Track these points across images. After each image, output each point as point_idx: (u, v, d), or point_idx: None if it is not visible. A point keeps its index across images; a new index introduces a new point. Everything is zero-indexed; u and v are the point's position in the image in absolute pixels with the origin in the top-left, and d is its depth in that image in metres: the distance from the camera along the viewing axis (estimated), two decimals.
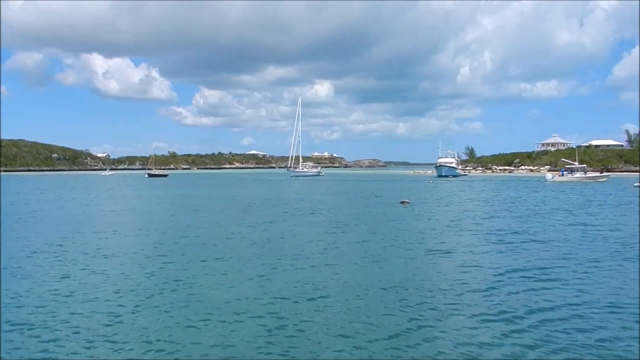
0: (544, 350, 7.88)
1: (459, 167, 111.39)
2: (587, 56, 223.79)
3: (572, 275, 13.01)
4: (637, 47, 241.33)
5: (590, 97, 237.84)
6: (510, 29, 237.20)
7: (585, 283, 12.14)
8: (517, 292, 11.28)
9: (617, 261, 14.80)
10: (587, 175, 74.38)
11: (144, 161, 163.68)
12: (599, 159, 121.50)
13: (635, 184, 56.47)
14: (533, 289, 11.56)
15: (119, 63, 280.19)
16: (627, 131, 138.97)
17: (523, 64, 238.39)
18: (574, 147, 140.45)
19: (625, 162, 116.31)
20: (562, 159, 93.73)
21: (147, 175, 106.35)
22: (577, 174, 73.64)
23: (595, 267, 14.03)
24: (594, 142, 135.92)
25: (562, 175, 74.86)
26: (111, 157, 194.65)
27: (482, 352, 7.80)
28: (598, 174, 78.93)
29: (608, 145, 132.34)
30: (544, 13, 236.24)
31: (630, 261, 14.79)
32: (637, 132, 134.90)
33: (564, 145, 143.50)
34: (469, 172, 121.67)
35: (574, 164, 78.73)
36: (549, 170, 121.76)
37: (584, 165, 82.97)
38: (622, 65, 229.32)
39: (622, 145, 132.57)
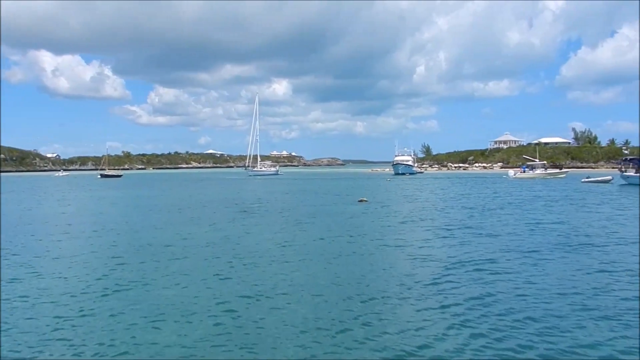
0: (490, 339, 8.23)
1: (416, 164, 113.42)
2: (536, 56, 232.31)
3: (517, 266, 13.61)
4: (583, 47, 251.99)
5: (539, 96, 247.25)
6: (464, 28, 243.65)
7: (531, 273, 12.71)
8: (465, 284, 11.72)
9: (560, 253, 15.54)
10: (547, 171, 77.12)
11: (97, 161, 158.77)
12: (547, 155, 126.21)
13: (583, 180, 59.23)
14: (480, 280, 12.03)
15: (69, 60, 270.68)
16: (573, 129, 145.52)
17: (476, 63, 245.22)
18: (525, 144, 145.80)
19: (572, 158, 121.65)
20: (524, 156, 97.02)
21: (99, 176, 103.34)
22: (538, 171, 76.24)
23: (540, 257, 14.71)
24: (543, 140, 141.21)
25: (524, 171, 77.24)
26: (61, 158, 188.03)
27: (431, 343, 8.08)
28: (558, 170, 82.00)
29: (556, 143, 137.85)
30: (495, 13, 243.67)
31: (572, 252, 15.57)
32: (583, 129, 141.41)
33: (515, 143, 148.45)
34: (425, 170, 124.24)
35: (535, 161, 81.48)
36: (502, 167, 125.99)
37: (544, 162, 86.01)
38: (569, 66, 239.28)
39: (569, 143, 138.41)
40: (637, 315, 9.20)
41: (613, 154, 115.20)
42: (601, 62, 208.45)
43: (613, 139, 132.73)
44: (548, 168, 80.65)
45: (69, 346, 8.10)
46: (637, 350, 7.64)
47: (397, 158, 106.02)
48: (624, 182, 54.21)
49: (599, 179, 60.19)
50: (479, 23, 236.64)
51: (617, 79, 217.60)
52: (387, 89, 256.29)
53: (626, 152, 67.75)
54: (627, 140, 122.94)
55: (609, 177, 60.05)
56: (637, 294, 10.62)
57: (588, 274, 12.72)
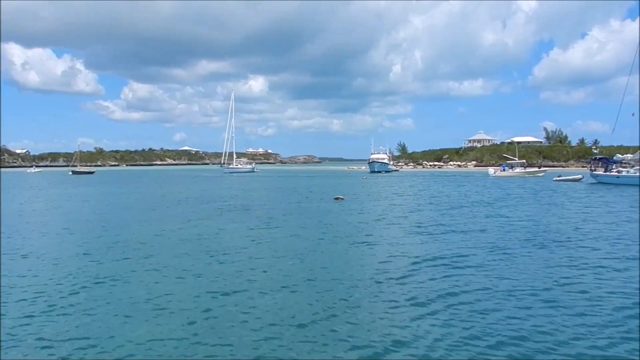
0: (460, 333, 8.41)
1: (391, 162, 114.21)
2: (510, 57, 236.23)
3: (486, 261, 13.91)
4: (555, 48, 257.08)
5: (512, 96, 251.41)
6: (439, 28, 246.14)
7: (499, 269, 13.01)
8: (435, 279, 11.97)
9: (527, 249, 15.91)
10: (527, 170, 78.50)
11: (68, 158, 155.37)
12: (520, 154, 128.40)
13: (555, 178, 60.53)
14: (450, 276, 12.28)
15: (40, 53, 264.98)
16: (545, 129, 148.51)
17: (451, 63, 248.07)
18: (498, 143, 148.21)
19: (544, 157, 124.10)
20: (504, 155, 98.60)
21: (70, 173, 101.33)
22: (518, 169, 77.54)
23: (507, 254, 15.06)
24: (516, 139, 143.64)
25: (504, 170, 78.44)
26: (31, 154, 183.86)
27: (400, 335, 8.22)
28: (537, 169, 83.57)
29: (528, 142, 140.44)
30: (470, 14, 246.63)
31: (539, 249, 15.99)
32: (554, 129, 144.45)
33: (489, 142, 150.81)
34: (401, 168, 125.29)
35: (514, 160, 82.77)
36: (476, 165, 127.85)
37: (524, 160, 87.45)
38: (541, 66, 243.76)
39: (541, 142, 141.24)
40: (597, 306, 9.56)
41: (583, 154, 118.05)
42: (572, 63, 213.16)
43: (583, 139, 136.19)
44: (527, 167, 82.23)
45: (41, 347, 7.98)
46: (598, 340, 7.93)
47: (372, 156, 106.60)
48: (593, 180, 55.59)
49: (570, 177, 61.64)
50: (454, 23, 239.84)
51: (587, 80, 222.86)
52: (363, 87, 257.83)
53: (596, 151, 69.41)
54: (596, 140, 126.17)
55: (579, 176, 61.51)
56: (597, 286, 11.05)
57: (551, 267, 13.15)
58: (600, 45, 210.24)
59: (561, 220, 23.23)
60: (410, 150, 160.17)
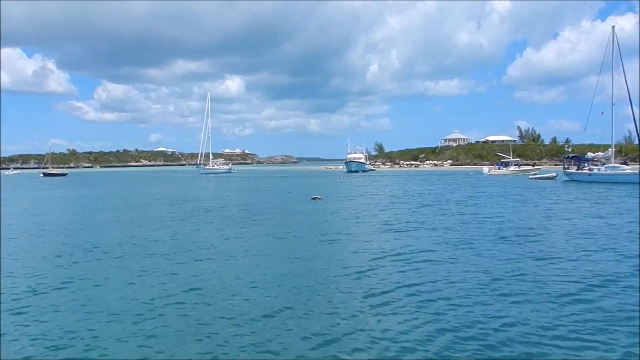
0: (421, 326, 8.39)
1: (368, 162, 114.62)
2: (485, 56, 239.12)
3: (448, 256, 14.10)
4: (528, 48, 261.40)
5: (487, 95, 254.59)
6: (416, 28, 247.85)
7: (460, 262, 13.23)
8: (393, 273, 12.41)
9: (492, 244, 16.21)
10: (521, 168, 79.35)
11: (40, 159, 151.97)
12: (495, 153, 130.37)
13: (530, 176, 61.32)
14: (408, 270, 12.66)
15: (9, 53, 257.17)
16: (518, 127, 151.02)
17: (427, 62, 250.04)
18: (473, 142, 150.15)
19: (518, 156, 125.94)
20: (498, 153, 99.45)
21: (42, 175, 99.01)
22: (512, 167, 78.28)
23: (472, 248, 15.57)
24: (490, 138, 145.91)
25: (499, 168, 79.04)
26: (1, 156, 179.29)
27: (359, 327, 8.14)
28: (530, 167, 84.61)
29: (502, 141, 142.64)
30: (445, 14, 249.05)
31: (504, 243, 16.35)
32: (528, 128, 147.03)
33: (464, 141, 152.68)
34: (378, 167, 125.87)
35: (509, 158, 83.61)
36: (451, 164, 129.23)
37: (518, 159, 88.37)
38: (515, 66, 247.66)
39: (514, 141, 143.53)
40: (558, 298, 9.82)
41: (555, 152, 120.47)
42: (545, 63, 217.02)
43: (555, 137, 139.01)
44: (522, 165, 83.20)
45: (13, 350, 7.69)
46: (559, 328, 8.02)
47: (349, 156, 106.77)
48: (567, 178, 56.57)
49: (545, 175, 62.71)
50: (430, 23, 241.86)
51: (560, 80, 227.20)
52: (341, 87, 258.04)
53: (568, 150, 70.50)
54: (567, 139, 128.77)
55: (554, 174, 62.58)
56: (560, 279, 11.40)
57: (519, 261, 13.55)
58: (572, 45, 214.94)
59: (525, 216, 23.76)
60: (387, 150, 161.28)
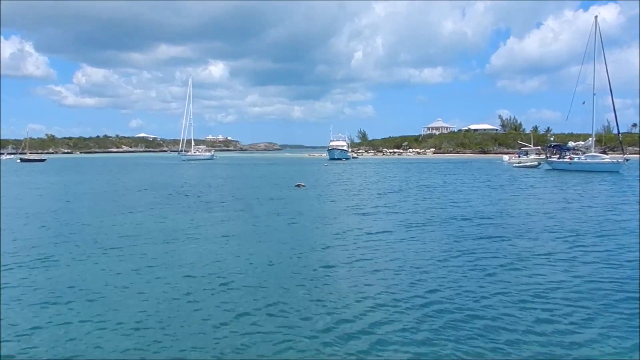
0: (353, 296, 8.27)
1: (350, 150, 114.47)
2: (469, 45, 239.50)
3: (404, 236, 14.36)
4: (512, 38, 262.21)
5: (470, 83, 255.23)
6: (401, 16, 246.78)
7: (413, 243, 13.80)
8: (363, 247, 13.23)
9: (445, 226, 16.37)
10: (541, 157, 78.39)
11: (17, 145, 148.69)
12: (477, 142, 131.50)
13: (514, 164, 61.85)
14: (372, 248, 12.99)
15: None
16: (500, 116, 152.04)
17: (412, 50, 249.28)
18: (456, 130, 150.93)
19: (499, 144, 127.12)
20: (519, 141, 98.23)
21: (19, 160, 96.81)
22: (532, 156, 77.01)
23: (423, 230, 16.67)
24: (473, 126, 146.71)
25: (519, 157, 77.27)
26: None
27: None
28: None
29: (485, 129, 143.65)
30: (430, 3, 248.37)
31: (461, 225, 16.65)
32: (509, 117, 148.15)
33: (447, 129, 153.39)
34: (361, 155, 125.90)
35: (529, 147, 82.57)
36: (434, 153, 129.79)
37: (539, 147, 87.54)
38: (498, 55, 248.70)
39: (496, 130, 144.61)
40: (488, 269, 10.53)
41: (536, 141, 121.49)
42: (527, 52, 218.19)
43: (536, 126, 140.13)
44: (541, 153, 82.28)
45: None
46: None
47: (332, 143, 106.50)
48: (549, 167, 57.14)
49: (528, 163, 63.28)
50: (415, 11, 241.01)
51: (542, 69, 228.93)
52: (325, 74, 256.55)
53: (551, 139, 71.22)
54: (548, 128, 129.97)
55: (536, 163, 63.12)
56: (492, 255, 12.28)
57: (464, 240, 14.90)
58: (555, 34, 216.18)
59: (491, 202, 24.77)
60: (370, 138, 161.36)
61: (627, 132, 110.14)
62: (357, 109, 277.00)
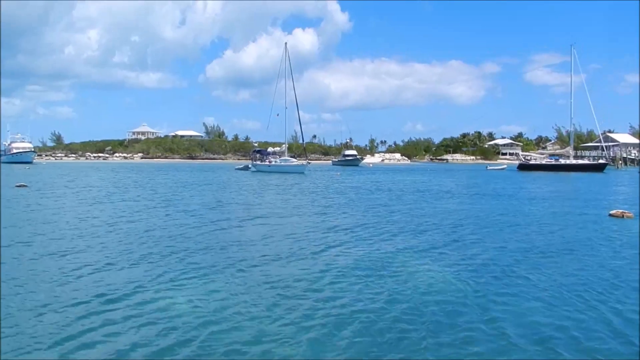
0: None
1: (36, 153, 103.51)
2: (188, 52, 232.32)
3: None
4: (229, 50, 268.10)
5: (186, 90, 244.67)
6: (119, 14, 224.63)
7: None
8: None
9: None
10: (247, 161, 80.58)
11: None
12: (185, 147, 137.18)
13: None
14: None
15: None
16: (204, 124, 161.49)
17: (128, 52, 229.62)
18: (162, 136, 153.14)
19: (206, 150, 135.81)
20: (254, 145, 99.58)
21: None
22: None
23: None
24: (180, 132, 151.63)
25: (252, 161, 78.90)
26: None
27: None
28: None
29: (191, 136, 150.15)
30: (153, 4, 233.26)
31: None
32: (213, 125, 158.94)
33: (153, 134, 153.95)
34: (62, 159, 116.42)
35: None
36: (142, 157, 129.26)
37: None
38: (213, 66, 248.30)
39: (202, 136, 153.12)
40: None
41: (239, 147, 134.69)
42: (240, 65, 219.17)
43: (237, 135, 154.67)
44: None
45: None
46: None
47: (14, 145, 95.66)
48: (254, 169, 65.99)
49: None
50: (137, 11, 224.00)
51: (252, 82, 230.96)
52: (21, 66, 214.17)
53: (255, 145, 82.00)
54: (247, 137, 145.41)
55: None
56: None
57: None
58: (266, 51, 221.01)
59: (213, 199, 28.97)
60: (67, 141, 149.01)
61: (310, 142, 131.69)
62: (53, 109, 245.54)
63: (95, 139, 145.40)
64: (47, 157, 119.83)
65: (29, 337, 6.52)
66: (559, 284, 9.20)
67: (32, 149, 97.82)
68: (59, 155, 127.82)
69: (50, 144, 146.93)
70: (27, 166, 75.50)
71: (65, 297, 8.15)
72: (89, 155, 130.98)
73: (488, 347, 6.32)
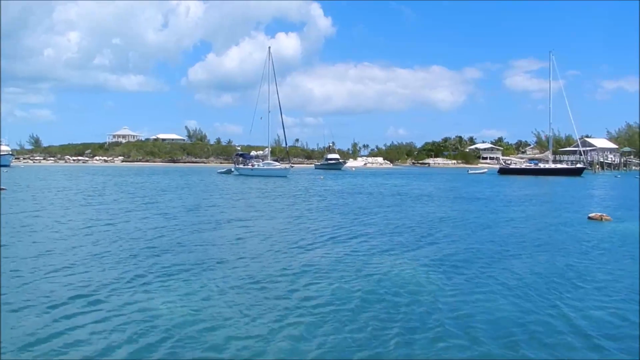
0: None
1: (13, 156, 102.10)
2: (170, 56, 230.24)
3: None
4: (211, 53, 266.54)
5: (167, 94, 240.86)
6: (100, 16, 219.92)
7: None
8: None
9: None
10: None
11: None
12: (166, 151, 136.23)
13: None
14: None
15: None
16: (187, 127, 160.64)
17: (109, 55, 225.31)
18: (143, 139, 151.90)
19: (188, 154, 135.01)
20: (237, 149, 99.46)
21: None
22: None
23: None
24: (161, 136, 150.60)
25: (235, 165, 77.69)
26: None
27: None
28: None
29: (173, 139, 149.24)
30: (135, 8, 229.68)
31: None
32: (195, 128, 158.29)
33: (134, 138, 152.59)
34: (40, 162, 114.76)
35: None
36: (123, 161, 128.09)
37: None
38: (197, 69, 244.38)
39: (184, 140, 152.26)
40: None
41: (221, 151, 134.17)
42: (223, 69, 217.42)
43: (219, 138, 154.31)
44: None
45: None
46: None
47: None
48: (237, 172, 65.85)
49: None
50: (119, 14, 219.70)
51: (232, 86, 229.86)
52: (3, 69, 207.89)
53: (238, 148, 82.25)
54: (230, 140, 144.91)
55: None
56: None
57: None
58: (249, 55, 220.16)
59: (196, 201, 29.03)
60: (46, 144, 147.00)
61: (292, 146, 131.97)
62: (32, 111, 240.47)
63: (75, 142, 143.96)
64: (25, 160, 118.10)
65: (4, 338, 6.58)
66: (526, 283, 9.52)
67: (10, 152, 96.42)
68: (37, 158, 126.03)
69: (28, 146, 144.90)
70: (4, 169, 74.21)
71: (41, 299, 8.21)
72: (68, 159, 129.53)
73: (456, 343, 6.58)
